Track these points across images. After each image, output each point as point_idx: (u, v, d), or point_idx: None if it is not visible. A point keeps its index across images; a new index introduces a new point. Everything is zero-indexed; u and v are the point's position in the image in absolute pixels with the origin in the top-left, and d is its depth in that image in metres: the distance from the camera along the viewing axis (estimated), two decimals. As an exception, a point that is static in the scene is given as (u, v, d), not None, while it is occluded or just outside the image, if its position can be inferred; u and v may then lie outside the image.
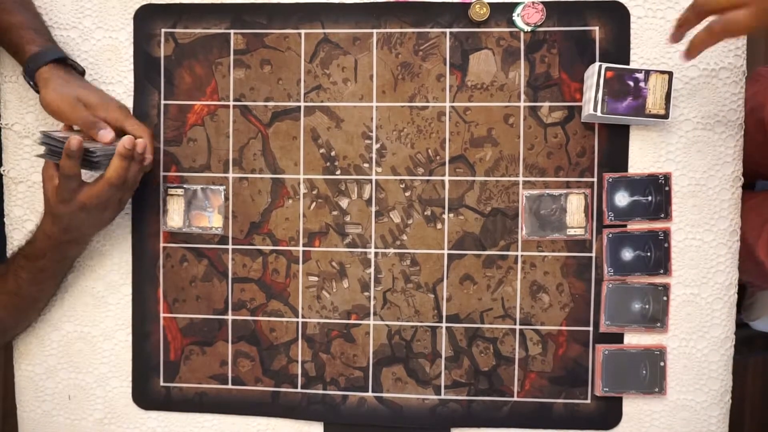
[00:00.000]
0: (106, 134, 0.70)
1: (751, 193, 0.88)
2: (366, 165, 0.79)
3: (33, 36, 0.74)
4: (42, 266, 0.75)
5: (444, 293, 0.79)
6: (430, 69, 0.78)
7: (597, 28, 0.76)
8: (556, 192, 0.77)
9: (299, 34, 0.79)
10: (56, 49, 0.75)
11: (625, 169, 0.77)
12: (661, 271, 0.76)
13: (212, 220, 0.81)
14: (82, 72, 0.78)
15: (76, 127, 0.73)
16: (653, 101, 0.72)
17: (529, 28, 0.77)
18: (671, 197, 0.76)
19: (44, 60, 0.72)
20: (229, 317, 0.81)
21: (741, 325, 0.88)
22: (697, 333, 0.77)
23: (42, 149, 0.68)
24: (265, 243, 0.80)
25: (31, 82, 0.73)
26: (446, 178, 0.79)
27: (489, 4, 0.77)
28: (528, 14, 0.76)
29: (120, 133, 0.72)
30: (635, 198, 0.76)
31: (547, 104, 0.77)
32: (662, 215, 0.76)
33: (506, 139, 0.78)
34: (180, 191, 0.81)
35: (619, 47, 0.76)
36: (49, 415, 0.83)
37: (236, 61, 0.80)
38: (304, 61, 0.79)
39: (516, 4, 0.77)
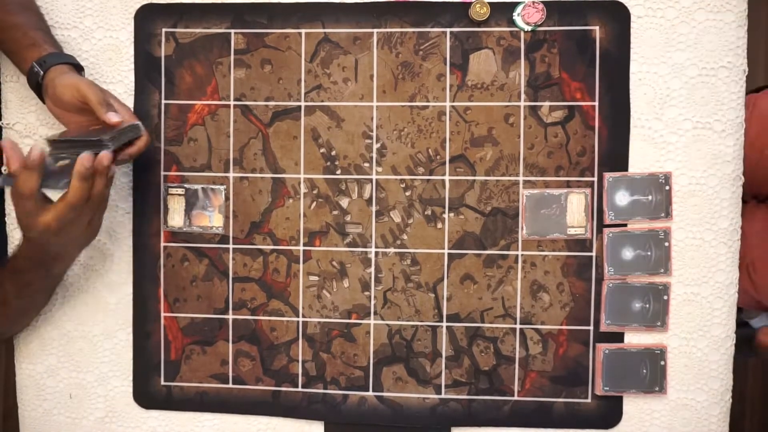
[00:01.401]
0: (114, 116, 0.68)
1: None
2: (366, 164, 0.79)
3: (49, 39, 0.76)
4: (28, 281, 0.73)
5: (444, 293, 0.79)
6: (430, 68, 0.78)
7: (597, 28, 0.76)
8: (556, 191, 0.77)
9: (300, 33, 0.79)
10: (74, 57, 0.76)
11: (626, 169, 0.77)
12: (662, 271, 0.76)
13: (213, 220, 0.81)
14: None
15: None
16: None
17: (529, 28, 0.77)
18: (671, 196, 0.76)
19: (66, 60, 0.73)
20: (230, 317, 0.81)
21: (741, 324, 0.88)
22: (697, 332, 0.77)
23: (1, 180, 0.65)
24: (266, 242, 0.80)
25: (42, 73, 0.72)
26: (446, 178, 0.79)
27: (489, 3, 0.77)
28: (528, 14, 0.77)
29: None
30: (635, 197, 0.76)
31: (547, 104, 0.77)
32: (662, 214, 0.76)
33: (506, 138, 0.78)
34: (181, 191, 0.81)
35: (619, 47, 0.76)
36: (50, 414, 0.84)
37: (237, 61, 0.80)
38: (305, 61, 0.80)
39: (516, 4, 0.77)
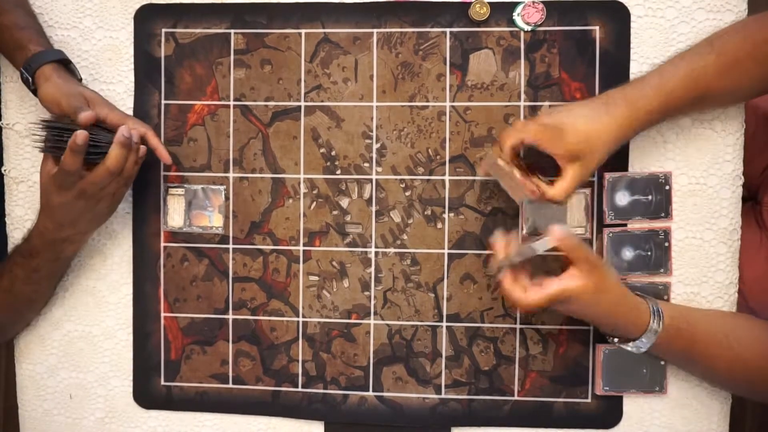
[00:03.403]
0: (87, 116, 0.68)
1: None
2: (366, 164, 0.79)
3: (35, 36, 0.75)
4: (36, 265, 0.74)
5: (444, 293, 0.79)
6: (430, 68, 0.78)
7: (597, 28, 0.76)
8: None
9: (299, 33, 0.79)
10: (60, 51, 0.76)
11: (626, 169, 0.77)
12: (662, 270, 0.76)
13: (213, 220, 0.81)
14: (79, 79, 0.78)
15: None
16: None
17: (529, 28, 0.77)
18: (671, 196, 0.76)
19: (48, 58, 0.73)
20: (230, 317, 0.81)
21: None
22: (697, 332, 0.77)
23: (41, 144, 0.69)
24: (266, 242, 0.81)
25: (30, 79, 0.73)
26: (446, 178, 0.79)
27: (489, 3, 0.77)
28: (528, 14, 0.77)
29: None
30: (635, 197, 0.76)
31: (547, 104, 0.77)
32: (662, 214, 0.76)
33: (506, 138, 0.78)
34: (181, 191, 0.81)
35: (619, 47, 0.76)
36: (50, 414, 0.84)
37: (236, 61, 0.80)
38: (305, 61, 0.80)
39: (516, 4, 0.77)
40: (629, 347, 0.71)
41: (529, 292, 0.67)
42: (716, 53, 0.67)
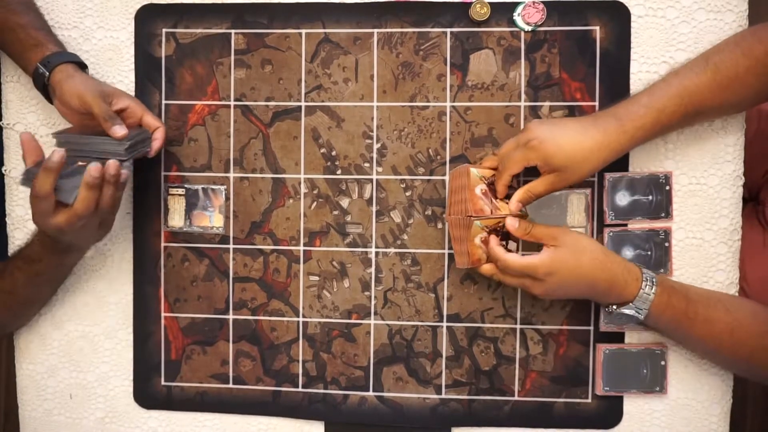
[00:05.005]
0: (120, 129, 0.69)
1: None
2: (367, 165, 0.79)
3: (52, 38, 0.76)
4: (38, 270, 0.74)
5: (445, 293, 0.79)
6: (430, 69, 0.79)
7: (598, 28, 0.76)
8: (556, 192, 0.77)
9: (300, 33, 0.80)
10: (77, 55, 0.77)
11: (626, 169, 0.77)
12: (662, 271, 0.76)
13: (213, 220, 0.81)
14: None
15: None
16: None
17: (529, 28, 0.77)
18: (672, 196, 0.76)
19: (70, 59, 0.74)
20: (230, 317, 0.81)
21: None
22: (697, 332, 0.77)
23: (20, 177, 0.68)
24: (266, 242, 0.81)
25: (47, 74, 0.72)
26: (447, 178, 0.79)
27: (489, 3, 0.77)
28: (528, 14, 0.77)
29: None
30: (636, 197, 0.76)
31: (547, 104, 0.77)
32: (663, 214, 0.76)
33: (507, 138, 0.77)
34: (181, 191, 0.81)
35: (619, 47, 0.76)
36: (50, 414, 0.84)
37: (237, 61, 0.80)
38: (305, 61, 0.80)
39: (517, 4, 0.77)
40: (627, 311, 0.69)
41: (509, 254, 0.69)
42: (712, 70, 0.67)
